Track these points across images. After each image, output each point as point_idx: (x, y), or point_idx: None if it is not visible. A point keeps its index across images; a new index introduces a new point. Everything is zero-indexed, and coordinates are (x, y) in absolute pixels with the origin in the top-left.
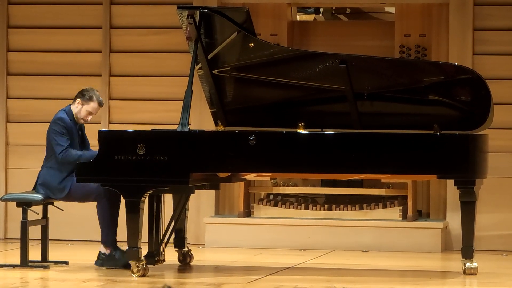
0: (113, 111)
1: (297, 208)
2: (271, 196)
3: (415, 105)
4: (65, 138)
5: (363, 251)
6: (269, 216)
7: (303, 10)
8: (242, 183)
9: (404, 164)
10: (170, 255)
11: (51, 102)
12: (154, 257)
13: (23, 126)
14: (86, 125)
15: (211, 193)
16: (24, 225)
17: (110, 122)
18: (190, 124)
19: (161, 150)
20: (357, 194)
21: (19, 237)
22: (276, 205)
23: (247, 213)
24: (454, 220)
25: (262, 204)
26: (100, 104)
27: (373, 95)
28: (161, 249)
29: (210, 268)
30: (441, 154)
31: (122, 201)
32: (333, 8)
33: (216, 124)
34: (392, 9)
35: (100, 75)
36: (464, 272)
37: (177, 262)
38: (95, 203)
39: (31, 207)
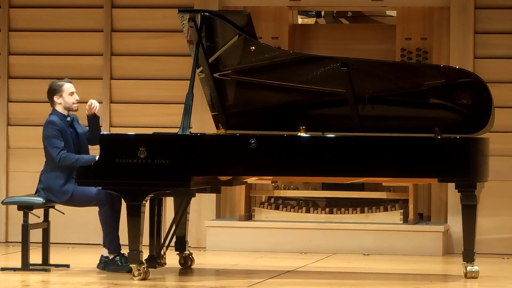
0: (114, 115)
1: (298, 212)
2: (272, 200)
3: (416, 108)
4: (59, 140)
5: (364, 255)
6: (270, 220)
7: (304, 13)
8: (243, 186)
9: (405, 168)
10: (171, 258)
11: None
12: (155, 260)
13: (24, 130)
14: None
15: (212, 196)
16: (25, 228)
17: (111, 126)
18: (191, 128)
19: (162, 153)
20: (358, 197)
21: (20, 240)
22: (277, 208)
23: (248, 216)
24: (455, 224)
25: (263, 207)
26: (69, 82)
27: (374, 98)
28: (162, 253)
29: (211, 272)
30: (442, 158)
31: (123, 205)
32: (334, 12)
33: (217, 128)
34: (393, 13)
35: (101, 79)
36: (465, 276)
37: (178, 266)
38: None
39: (32, 210)
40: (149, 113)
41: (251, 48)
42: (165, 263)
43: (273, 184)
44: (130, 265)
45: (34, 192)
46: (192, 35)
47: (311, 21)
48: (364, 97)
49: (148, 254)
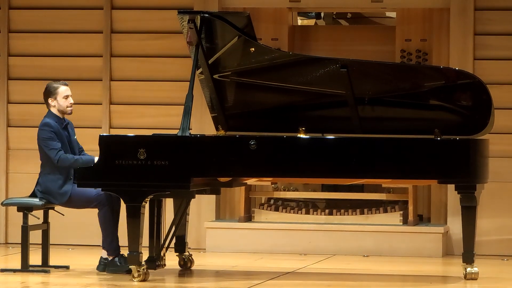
0: (114, 116)
1: (297, 213)
2: (272, 201)
3: (416, 109)
4: (55, 141)
5: (364, 256)
6: (269, 221)
7: (304, 14)
8: (243, 187)
9: (405, 169)
10: (171, 259)
11: None
12: (155, 261)
13: (24, 131)
14: (86, 131)
15: (212, 197)
16: (25, 229)
17: (110, 127)
18: (191, 129)
19: (162, 154)
20: (357, 198)
21: (20, 242)
22: (276, 209)
23: (248, 217)
24: (455, 225)
25: (263, 208)
26: (66, 84)
27: (374, 99)
28: (161, 254)
29: (211, 273)
30: (442, 159)
31: (122, 206)
32: (334, 13)
33: (217, 129)
34: (393, 14)
35: (101, 80)
36: (465, 277)
37: (178, 267)
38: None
39: (31, 211)
40: (148, 114)
41: (251, 49)
42: (164, 265)
43: (272, 185)
44: (130, 266)
45: (30, 195)
46: (192, 37)
47: (310, 22)
48: (363, 98)
49: (147, 256)
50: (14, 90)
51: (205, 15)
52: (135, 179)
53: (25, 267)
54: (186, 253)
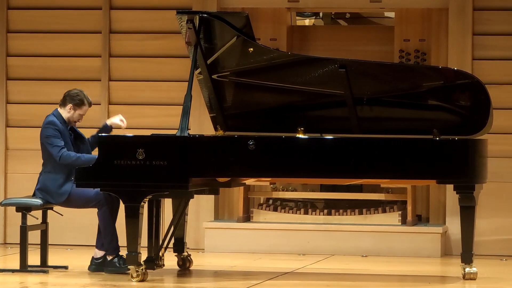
0: (112, 116)
1: (296, 213)
2: (271, 201)
3: (415, 110)
4: (59, 139)
5: (363, 256)
6: (268, 221)
7: (303, 14)
8: (242, 188)
9: (404, 169)
10: (170, 260)
11: (50, 107)
12: (154, 262)
13: (22, 131)
14: (85, 131)
15: (211, 198)
16: (24, 230)
17: None
18: (190, 129)
19: (160, 155)
20: (356, 199)
21: (19, 242)
22: (275, 210)
23: (247, 218)
24: (454, 225)
25: (262, 209)
26: (90, 105)
27: (372, 100)
28: (160, 254)
29: (210, 273)
30: (441, 159)
31: (121, 207)
32: (333, 13)
33: (216, 129)
34: (392, 14)
35: (100, 80)
36: (464, 277)
37: (177, 267)
38: (94, 208)
39: (30, 212)
40: (147, 114)
41: (250, 49)
42: (163, 265)
43: (271, 185)
44: (129, 267)
45: (32, 195)
46: (191, 37)
47: (309, 22)
48: (362, 98)
49: (146, 256)
50: (12, 90)
51: (203, 15)
52: (134, 179)
53: (24, 267)
54: (185, 253)
